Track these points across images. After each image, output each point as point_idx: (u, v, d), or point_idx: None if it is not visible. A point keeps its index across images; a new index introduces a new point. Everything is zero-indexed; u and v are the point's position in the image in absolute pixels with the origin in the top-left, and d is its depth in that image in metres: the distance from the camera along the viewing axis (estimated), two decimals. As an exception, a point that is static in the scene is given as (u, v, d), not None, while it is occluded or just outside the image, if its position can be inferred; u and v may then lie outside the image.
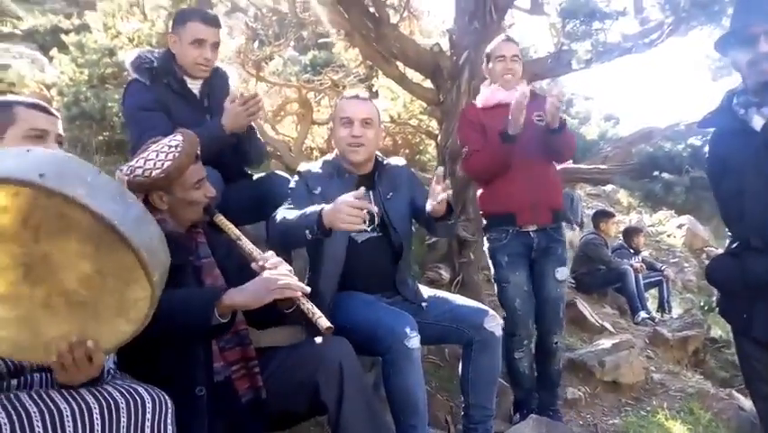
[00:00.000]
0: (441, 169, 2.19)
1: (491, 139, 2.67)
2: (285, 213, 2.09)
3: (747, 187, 1.71)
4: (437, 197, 2.04)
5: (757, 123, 1.69)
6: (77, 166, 1.15)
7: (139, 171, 1.71)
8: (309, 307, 1.59)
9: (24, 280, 1.17)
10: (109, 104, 4.36)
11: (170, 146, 1.76)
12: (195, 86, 2.41)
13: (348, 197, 1.86)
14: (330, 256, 2.17)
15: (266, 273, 1.62)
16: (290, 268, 1.67)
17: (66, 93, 4.62)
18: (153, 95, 2.29)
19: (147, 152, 1.76)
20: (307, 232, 1.93)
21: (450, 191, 2.12)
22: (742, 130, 1.74)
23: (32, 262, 1.16)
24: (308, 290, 1.62)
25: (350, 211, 1.83)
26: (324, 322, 1.54)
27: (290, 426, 1.98)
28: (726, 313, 1.89)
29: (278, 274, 1.61)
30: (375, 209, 2.03)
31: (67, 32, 5.67)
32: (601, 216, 6.88)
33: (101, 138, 4.47)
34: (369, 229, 2.23)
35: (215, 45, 2.37)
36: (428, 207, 2.09)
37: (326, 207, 1.91)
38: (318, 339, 1.82)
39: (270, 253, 1.72)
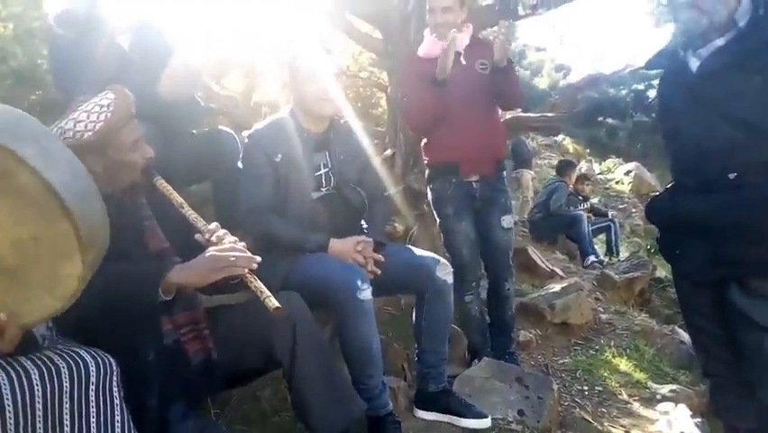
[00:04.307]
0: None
1: (423, 87, 2.65)
2: (276, 224, 2.16)
3: (682, 128, 1.76)
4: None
5: (693, 64, 1.72)
6: (33, 125, 1.09)
7: (69, 133, 1.60)
8: (257, 285, 1.54)
9: None
10: (39, 60, 4.10)
11: (101, 105, 1.64)
12: (124, 40, 2.28)
13: (361, 247, 2.14)
14: (292, 216, 2.20)
15: (212, 250, 1.57)
16: (236, 239, 1.63)
17: (-9, 50, 4.33)
18: (79, 49, 2.16)
19: (77, 113, 1.64)
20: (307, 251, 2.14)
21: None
22: (683, 71, 1.77)
23: None
24: (257, 262, 1.58)
25: (361, 262, 2.12)
26: (271, 302, 1.50)
27: (245, 383, 1.98)
28: (662, 251, 1.97)
29: (223, 250, 1.57)
30: (378, 272, 2.16)
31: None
32: (568, 166, 7.18)
33: (34, 98, 4.21)
34: (324, 190, 2.27)
35: None
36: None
37: (337, 245, 2.15)
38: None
39: (215, 224, 1.68)
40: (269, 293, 1.53)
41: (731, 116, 1.62)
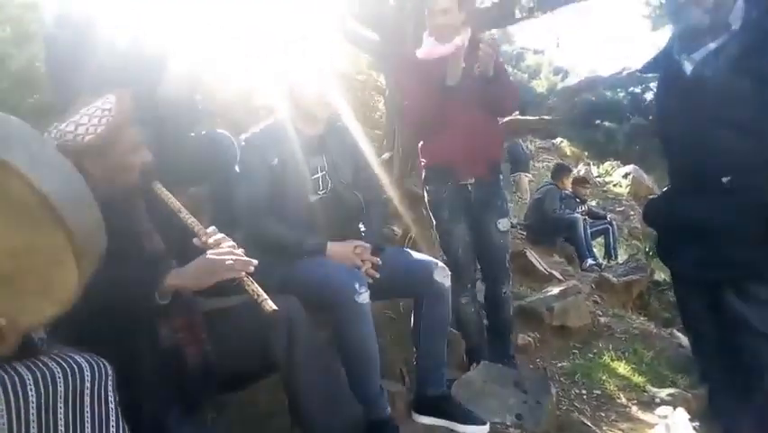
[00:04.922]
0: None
1: (430, 91, 2.64)
2: (274, 228, 2.17)
3: (676, 131, 1.76)
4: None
5: (687, 67, 1.73)
6: (25, 132, 1.08)
7: (69, 136, 1.60)
8: (255, 288, 1.55)
9: None
10: (36, 63, 4.09)
11: (103, 109, 1.65)
12: (123, 40, 2.27)
13: (359, 251, 2.16)
14: (289, 219, 2.20)
15: (209, 254, 1.58)
16: (233, 243, 1.64)
17: (-11, 53, 4.32)
18: (77, 51, 2.15)
19: (78, 116, 1.64)
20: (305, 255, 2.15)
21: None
22: (677, 74, 1.78)
23: None
24: (254, 265, 1.59)
25: (358, 264, 2.14)
26: (268, 305, 1.51)
27: (243, 386, 1.97)
28: (659, 253, 1.97)
29: (221, 254, 1.57)
30: (377, 276, 2.17)
31: (-15, -13, 5.26)
32: (561, 171, 7.17)
33: (31, 101, 4.20)
34: (321, 193, 2.27)
35: None
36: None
37: (335, 248, 2.16)
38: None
39: (212, 228, 1.68)
40: (265, 296, 1.53)
41: (724, 120, 1.62)
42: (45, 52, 2.29)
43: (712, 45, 1.67)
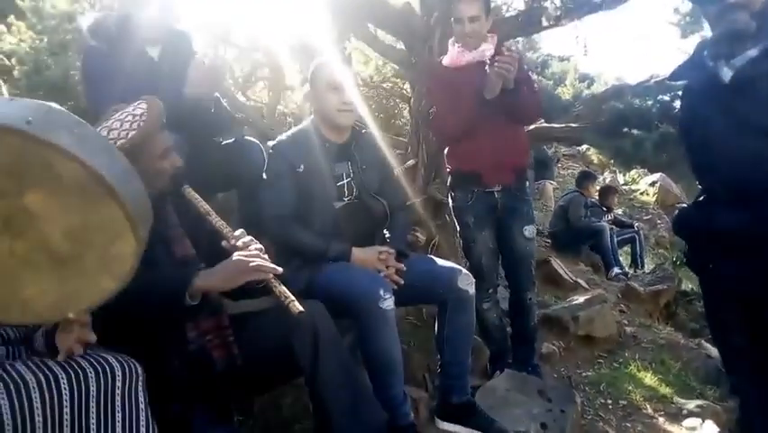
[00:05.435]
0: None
1: (464, 99, 2.65)
2: (299, 233, 2.20)
3: (715, 138, 1.72)
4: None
5: (726, 74, 1.68)
6: (64, 116, 1.12)
7: None
8: (282, 290, 1.58)
9: (4, 233, 1.11)
10: (71, 72, 4.21)
11: (134, 115, 1.71)
12: (153, 51, 2.33)
13: (384, 257, 2.18)
14: (315, 225, 2.23)
15: (237, 255, 1.62)
16: (261, 247, 1.67)
17: (26, 61, 4.45)
18: (111, 61, 2.22)
19: (110, 121, 1.71)
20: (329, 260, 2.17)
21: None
22: (711, 82, 1.74)
23: (13, 213, 1.11)
24: (280, 270, 1.62)
25: (381, 268, 2.16)
26: (295, 307, 1.53)
27: (268, 390, 2.00)
28: (691, 264, 1.93)
29: (249, 255, 1.61)
30: (401, 282, 2.18)
31: (22, -2, 5.43)
32: (586, 178, 7.09)
33: (65, 107, 4.32)
34: (347, 200, 2.31)
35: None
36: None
37: (360, 254, 2.19)
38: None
39: (240, 231, 1.72)
40: (293, 297, 1.56)
41: (766, 126, 1.59)
42: (81, 63, 2.36)
43: (753, 51, 1.63)
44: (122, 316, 1.37)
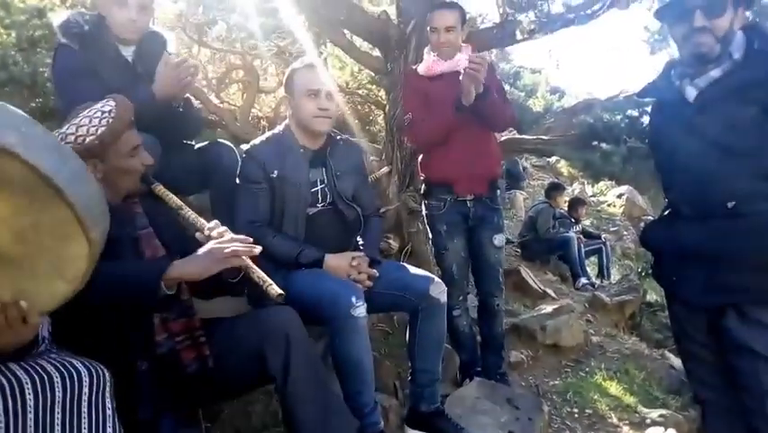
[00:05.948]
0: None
1: (438, 108, 2.67)
2: (272, 238, 2.17)
3: (678, 156, 1.78)
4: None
5: (690, 93, 1.75)
6: (10, 114, 1.08)
7: (71, 138, 1.63)
8: (260, 275, 1.57)
9: None
10: (40, 68, 4.12)
11: (103, 111, 1.68)
12: (127, 51, 2.29)
13: (356, 263, 2.18)
14: (288, 231, 2.23)
15: (212, 243, 1.60)
16: (236, 236, 1.65)
17: (-8, 56, 4.34)
18: (83, 60, 2.18)
19: (78, 118, 1.68)
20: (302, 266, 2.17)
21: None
22: (678, 100, 1.79)
23: None
24: (258, 250, 1.61)
25: (356, 277, 2.16)
26: (274, 290, 1.53)
27: (238, 395, 1.97)
28: (657, 276, 1.98)
29: (224, 243, 1.59)
30: (371, 284, 2.20)
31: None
32: (555, 189, 7.20)
33: (33, 105, 4.23)
34: (320, 206, 2.30)
35: (142, 7, 2.25)
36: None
37: (333, 260, 2.18)
38: (264, 309, 1.81)
39: (215, 222, 1.70)
40: (271, 281, 1.55)
41: (728, 146, 1.64)
42: (52, 61, 2.31)
43: (714, 73, 1.70)
44: (94, 303, 1.33)
